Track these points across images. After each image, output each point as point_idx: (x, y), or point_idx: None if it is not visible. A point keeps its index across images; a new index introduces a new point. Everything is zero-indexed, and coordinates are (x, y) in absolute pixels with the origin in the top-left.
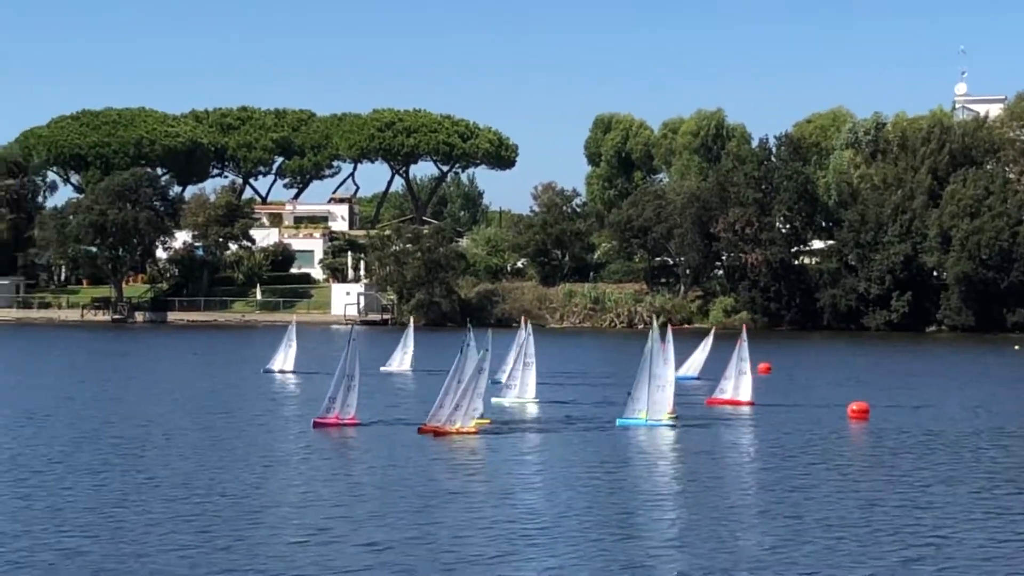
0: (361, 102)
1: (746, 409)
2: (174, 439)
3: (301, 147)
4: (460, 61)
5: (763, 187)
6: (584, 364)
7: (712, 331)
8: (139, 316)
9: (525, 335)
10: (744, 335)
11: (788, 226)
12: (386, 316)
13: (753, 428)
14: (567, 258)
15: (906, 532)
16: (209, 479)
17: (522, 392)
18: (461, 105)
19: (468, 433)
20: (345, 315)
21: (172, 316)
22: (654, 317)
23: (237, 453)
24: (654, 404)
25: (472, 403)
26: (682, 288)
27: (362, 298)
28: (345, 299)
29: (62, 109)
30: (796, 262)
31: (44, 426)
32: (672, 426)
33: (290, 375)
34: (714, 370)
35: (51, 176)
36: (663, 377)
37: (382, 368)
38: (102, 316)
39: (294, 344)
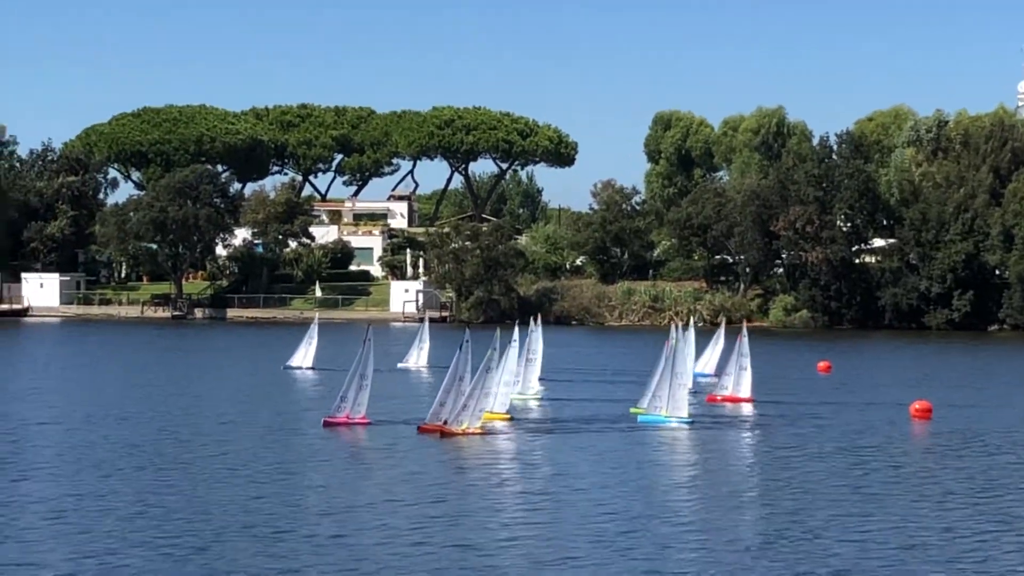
0: (420, 100)
1: (751, 407)
2: (196, 444)
3: (361, 144)
4: (519, 58)
5: (824, 185)
6: (623, 361)
7: (723, 325)
8: (199, 313)
9: (529, 331)
10: (744, 331)
11: (849, 224)
12: (445, 313)
13: (791, 427)
14: (626, 256)
15: (975, 532)
16: (253, 480)
17: (524, 388)
18: (520, 102)
19: (475, 434)
20: (404, 312)
21: (232, 313)
22: (676, 317)
23: (267, 452)
24: (675, 401)
25: (479, 403)
26: (742, 286)
27: (421, 295)
28: (404, 296)
29: (123, 106)
30: (857, 260)
31: (66, 426)
32: (691, 423)
33: (309, 372)
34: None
35: (112, 173)
36: (685, 375)
37: (399, 365)
38: (162, 313)
39: (315, 341)
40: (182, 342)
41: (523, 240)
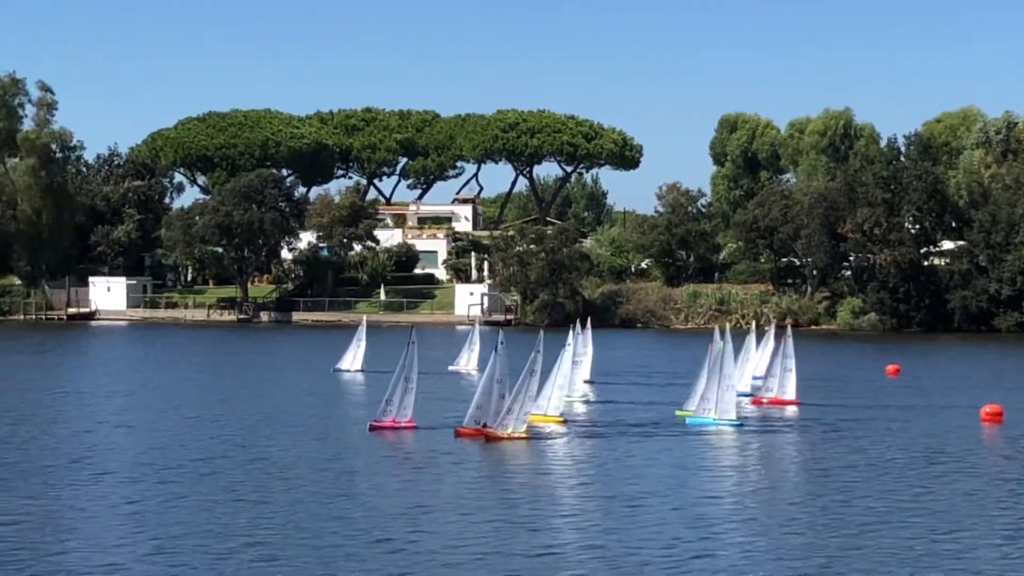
0: (485, 103)
1: (797, 409)
2: (256, 447)
3: (425, 148)
4: (584, 61)
5: (892, 187)
6: (682, 364)
7: (772, 327)
8: (264, 316)
9: (575, 334)
10: (789, 332)
11: (917, 226)
12: (509, 317)
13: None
14: (692, 259)
15: None
16: (319, 486)
17: (570, 390)
18: (585, 105)
19: (520, 439)
20: (468, 316)
21: (297, 316)
22: (722, 321)
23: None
24: (723, 404)
25: (524, 407)
26: (809, 289)
27: (485, 299)
28: (468, 300)
29: (189, 111)
30: (925, 263)
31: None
32: (740, 425)
33: (358, 374)
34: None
35: (178, 177)
36: (732, 377)
37: (450, 367)
38: (228, 316)
39: (363, 343)
40: (245, 345)
41: (588, 243)
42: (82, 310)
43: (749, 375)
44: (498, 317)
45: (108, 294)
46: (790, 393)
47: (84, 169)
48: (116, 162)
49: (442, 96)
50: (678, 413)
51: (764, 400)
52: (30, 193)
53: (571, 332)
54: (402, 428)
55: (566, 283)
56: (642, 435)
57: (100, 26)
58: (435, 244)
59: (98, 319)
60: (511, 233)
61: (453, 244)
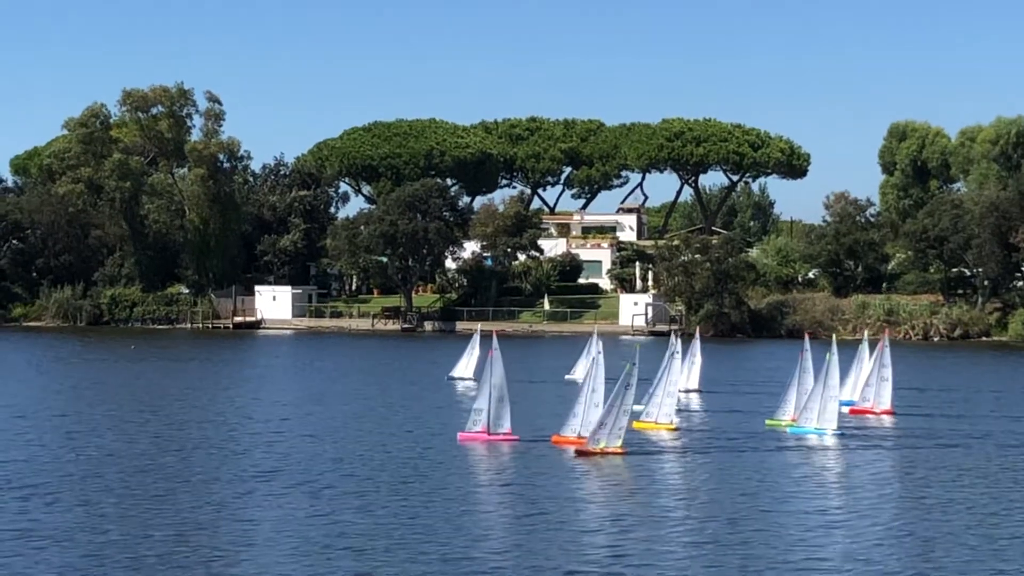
0: (650, 112)
1: (889, 419)
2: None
3: (589, 157)
4: (751, 69)
5: None
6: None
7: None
8: (428, 325)
9: (679, 340)
10: (886, 340)
11: None
12: (674, 327)
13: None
14: (860, 268)
15: None
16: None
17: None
18: (752, 114)
19: (615, 453)
20: (632, 325)
21: (460, 326)
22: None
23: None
24: (825, 414)
25: (618, 421)
26: (980, 300)
27: (650, 308)
28: (633, 309)
29: (354, 121)
30: None
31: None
32: (841, 435)
33: (469, 382)
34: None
35: (343, 187)
36: (835, 388)
37: (566, 376)
38: (392, 325)
39: (476, 352)
40: (408, 354)
41: (754, 253)
42: (248, 319)
43: (861, 385)
44: (662, 327)
45: (274, 303)
46: (885, 403)
47: (251, 179)
48: (282, 172)
49: (607, 105)
50: (768, 423)
51: (877, 410)
52: (198, 203)
53: (672, 337)
54: (500, 440)
55: (731, 293)
56: (755, 448)
57: (267, 37)
58: (599, 254)
59: (264, 328)
60: (676, 243)
61: (617, 254)
